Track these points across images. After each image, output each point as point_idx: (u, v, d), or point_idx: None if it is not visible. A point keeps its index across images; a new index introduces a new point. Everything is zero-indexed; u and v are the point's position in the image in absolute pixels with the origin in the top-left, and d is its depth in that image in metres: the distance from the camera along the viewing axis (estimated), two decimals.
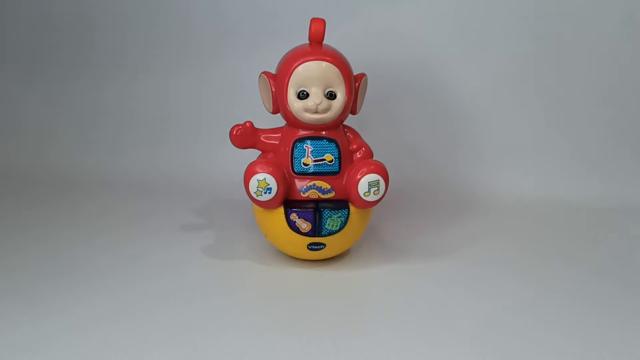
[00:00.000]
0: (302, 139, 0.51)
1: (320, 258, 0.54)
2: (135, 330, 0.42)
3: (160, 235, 0.60)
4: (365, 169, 0.50)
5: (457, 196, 0.72)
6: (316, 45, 0.52)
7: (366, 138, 0.55)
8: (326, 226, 0.50)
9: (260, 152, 0.55)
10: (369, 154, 0.54)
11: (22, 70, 0.83)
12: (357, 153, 0.53)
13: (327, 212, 0.50)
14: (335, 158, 0.52)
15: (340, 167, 0.52)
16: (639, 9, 0.69)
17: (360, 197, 0.50)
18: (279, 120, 0.54)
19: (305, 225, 0.50)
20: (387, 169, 0.51)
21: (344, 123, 0.54)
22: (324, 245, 0.52)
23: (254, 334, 0.42)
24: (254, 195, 0.49)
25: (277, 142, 0.53)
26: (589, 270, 0.54)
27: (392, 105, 0.74)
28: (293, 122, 0.51)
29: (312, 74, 0.49)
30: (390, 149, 0.67)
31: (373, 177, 0.50)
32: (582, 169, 0.73)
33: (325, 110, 0.50)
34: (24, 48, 0.82)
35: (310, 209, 0.50)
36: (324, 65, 0.50)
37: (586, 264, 0.55)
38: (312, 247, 0.52)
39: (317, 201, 0.51)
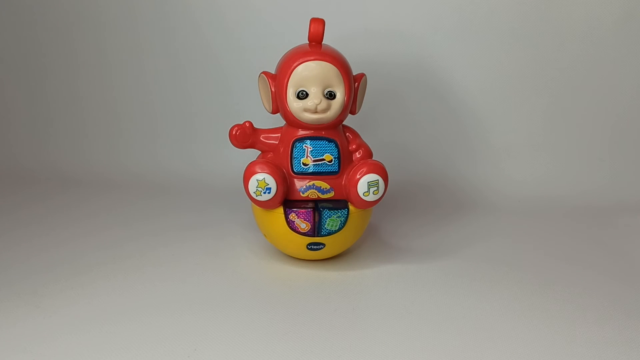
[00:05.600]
0: (302, 139, 0.51)
1: (320, 258, 0.54)
2: (134, 329, 0.42)
3: (159, 235, 0.60)
4: (364, 169, 0.50)
5: (457, 196, 0.72)
6: (315, 45, 0.52)
7: (366, 138, 0.55)
8: (325, 226, 0.50)
9: (260, 152, 0.55)
10: (369, 153, 0.54)
11: (25, 69, 0.83)
12: (357, 153, 0.53)
13: (326, 212, 0.50)
14: (334, 158, 0.52)
15: (339, 167, 0.52)
16: (638, 8, 0.69)
17: (359, 197, 0.50)
18: (278, 120, 0.54)
19: (304, 225, 0.50)
20: (387, 169, 0.51)
21: (344, 123, 0.54)
22: (324, 245, 0.52)
23: (253, 334, 0.42)
24: (254, 195, 0.49)
25: (277, 142, 0.53)
26: (589, 269, 0.54)
27: (392, 105, 0.74)
28: (293, 122, 0.51)
29: (312, 73, 0.49)
30: (389, 149, 0.67)
31: (372, 177, 0.50)
32: (583, 168, 0.73)
33: (325, 110, 0.50)
34: (26, 46, 0.82)
35: (310, 209, 0.50)
36: (323, 65, 0.50)
37: (587, 263, 0.55)
38: (312, 247, 0.52)
39: (316, 201, 0.51)
